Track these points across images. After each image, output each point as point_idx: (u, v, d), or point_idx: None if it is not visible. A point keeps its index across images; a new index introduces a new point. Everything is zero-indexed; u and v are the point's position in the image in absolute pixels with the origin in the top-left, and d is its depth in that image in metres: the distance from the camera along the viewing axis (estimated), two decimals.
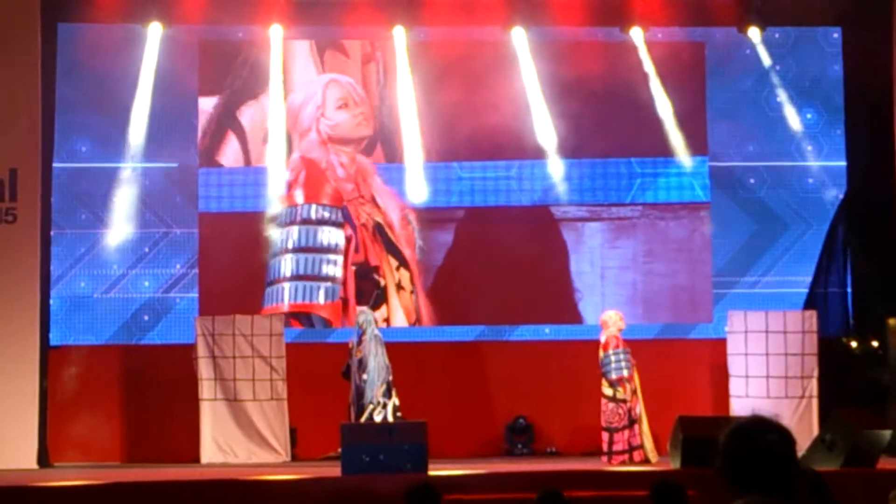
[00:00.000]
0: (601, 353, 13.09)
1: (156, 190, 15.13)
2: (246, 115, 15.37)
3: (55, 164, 14.62)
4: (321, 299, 15.27)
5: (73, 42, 15.00)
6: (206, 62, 15.33)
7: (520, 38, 15.18)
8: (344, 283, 15.28)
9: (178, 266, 15.17)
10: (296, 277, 15.24)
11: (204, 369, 14.12)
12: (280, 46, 15.08)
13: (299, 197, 15.35)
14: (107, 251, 15.04)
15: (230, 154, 15.34)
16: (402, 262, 15.37)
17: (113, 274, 15.05)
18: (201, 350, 14.15)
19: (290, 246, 15.26)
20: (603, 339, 13.13)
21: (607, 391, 13.01)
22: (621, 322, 13.20)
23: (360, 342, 13.70)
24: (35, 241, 14.11)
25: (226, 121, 15.34)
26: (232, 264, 15.08)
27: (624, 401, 12.92)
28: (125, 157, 14.99)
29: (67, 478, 11.50)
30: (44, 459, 13.86)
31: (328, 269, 15.27)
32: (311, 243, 15.29)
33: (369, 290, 15.31)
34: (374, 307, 15.05)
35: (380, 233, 15.38)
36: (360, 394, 13.59)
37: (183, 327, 14.82)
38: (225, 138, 15.34)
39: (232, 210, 15.27)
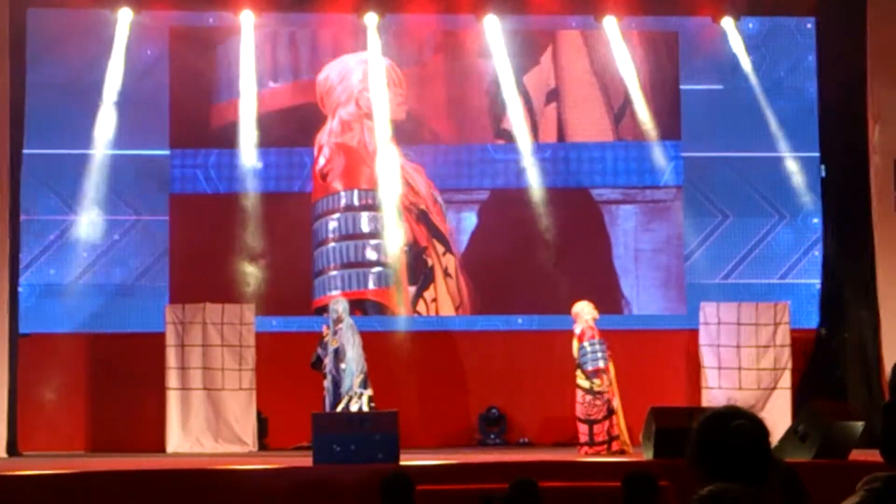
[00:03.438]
0: (576, 345, 13.00)
1: (126, 177, 15.02)
2: (220, 99, 15.26)
3: (25, 151, 14.48)
4: (372, 285, 15.19)
5: (42, 28, 14.86)
6: (176, 47, 15.23)
7: (493, 26, 15.18)
8: (397, 268, 15.21)
9: (148, 254, 15.07)
10: (344, 266, 15.16)
11: (172, 358, 14.05)
12: (251, 32, 15.00)
13: (338, 184, 15.25)
14: (77, 238, 14.93)
15: (202, 138, 15.24)
16: (448, 248, 15.32)
17: (83, 261, 14.94)
18: (170, 338, 14.07)
19: (333, 234, 15.18)
20: (578, 330, 13.05)
21: (583, 383, 12.92)
22: (595, 312, 13.13)
23: (335, 331, 13.60)
24: (4, 228, 14.00)
25: (198, 105, 15.23)
26: (203, 252, 15.00)
27: (601, 392, 12.86)
28: (95, 143, 14.87)
29: (37, 467, 11.40)
30: (13, 448, 13.76)
31: (376, 254, 15.20)
32: (356, 230, 15.21)
33: (419, 271, 15.26)
34: (423, 289, 15.03)
35: (423, 218, 15.31)
36: (336, 384, 13.49)
37: (153, 315, 14.70)
38: (197, 122, 15.23)
39: (204, 192, 15.18)
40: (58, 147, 14.94)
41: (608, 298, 15.27)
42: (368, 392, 13.47)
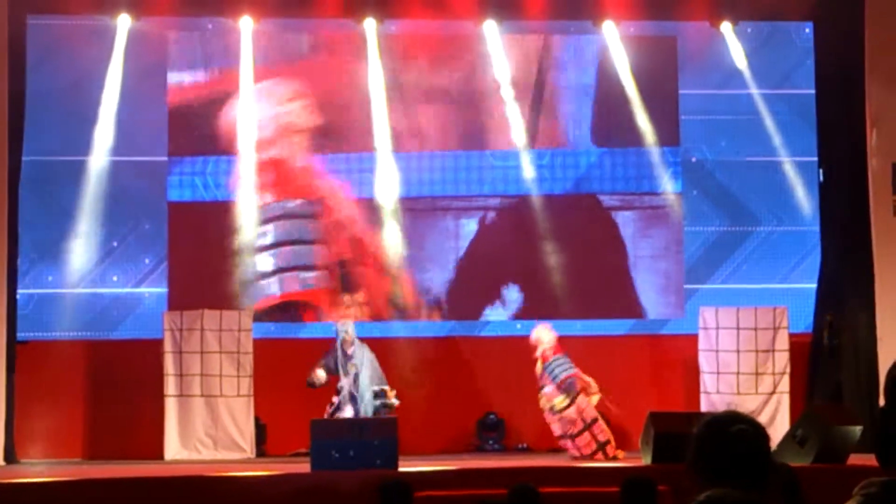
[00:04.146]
0: (540, 366, 13.03)
1: (125, 184, 15.00)
2: (216, 105, 15.25)
3: (24, 158, 14.46)
4: (308, 286, 15.16)
5: (42, 35, 14.85)
6: (174, 54, 15.22)
7: (491, 32, 15.18)
8: (329, 272, 15.18)
9: (146, 260, 15.06)
10: (278, 271, 15.14)
11: (170, 365, 14.03)
12: (250, 38, 14.99)
13: (270, 196, 15.22)
14: (75, 245, 14.90)
15: (200, 145, 15.22)
16: (379, 258, 15.27)
17: (81, 268, 14.92)
18: (168, 345, 14.05)
19: (267, 243, 15.15)
20: (539, 352, 13.08)
21: (545, 404, 12.98)
22: (553, 334, 13.18)
23: (347, 355, 13.53)
24: (2, 236, 13.98)
25: (197, 111, 15.22)
26: (202, 258, 14.99)
27: (566, 405, 12.87)
28: (94, 150, 14.86)
29: (34, 474, 11.40)
30: (11, 456, 13.74)
31: (310, 260, 15.17)
32: (289, 237, 15.17)
33: (351, 277, 15.22)
34: (353, 291, 15.01)
35: (356, 225, 15.27)
36: (353, 399, 13.47)
37: (152, 322, 14.70)
38: (195, 129, 15.21)
39: (202, 200, 15.16)
40: (56, 154, 14.93)
41: (614, 303, 15.31)
42: (378, 402, 13.49)
